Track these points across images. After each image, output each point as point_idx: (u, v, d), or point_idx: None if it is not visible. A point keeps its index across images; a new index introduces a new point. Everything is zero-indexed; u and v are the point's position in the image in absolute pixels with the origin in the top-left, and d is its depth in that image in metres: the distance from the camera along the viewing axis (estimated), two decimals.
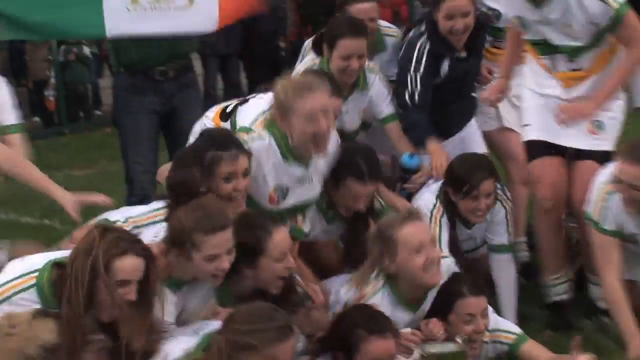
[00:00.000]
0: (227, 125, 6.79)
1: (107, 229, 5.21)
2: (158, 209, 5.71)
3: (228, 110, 6.93)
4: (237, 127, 6.48)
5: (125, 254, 5.06)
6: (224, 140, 6.10)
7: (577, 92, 6.72)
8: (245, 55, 19.93)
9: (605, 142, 6.69)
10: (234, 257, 5.51)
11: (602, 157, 6.58)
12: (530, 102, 6.96)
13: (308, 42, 8.15)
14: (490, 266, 6.86)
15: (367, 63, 7.46)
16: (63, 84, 20.68)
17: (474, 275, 6.38)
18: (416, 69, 7.30)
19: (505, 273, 6.75)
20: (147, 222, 5.73)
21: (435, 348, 5.44)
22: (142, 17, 7.48)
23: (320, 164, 6.35)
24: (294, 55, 21.03)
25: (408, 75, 7.35)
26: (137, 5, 7.44)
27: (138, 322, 5.17)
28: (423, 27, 7.49)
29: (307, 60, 7.75)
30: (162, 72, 7.96)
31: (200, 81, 16.39)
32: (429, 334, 5.92)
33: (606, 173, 6.30)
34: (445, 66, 7.37)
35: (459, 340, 5.47)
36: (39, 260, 5.22)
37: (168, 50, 7.93)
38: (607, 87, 6.57)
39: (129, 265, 5.06)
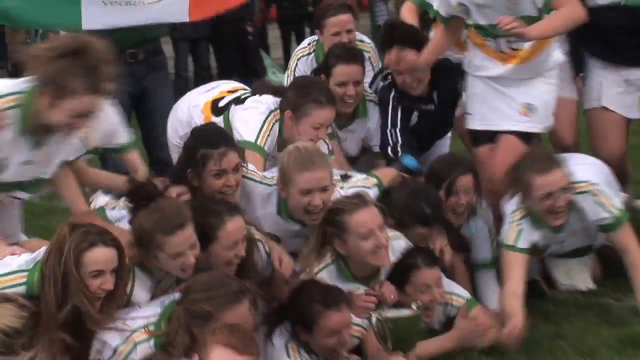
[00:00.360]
0: (219, 119, 6.86)
1: (76, 225, 5.23)
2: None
3: (220, 104, 6.99)
4: (241, 140, 6.48)
5: (95, 245, 5.11)
6: (214, 138, 6.08)
7: (518, 69, 6.80)
8: (214, 39, 19.94)
9: (536, 125, 6.82)
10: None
11: (525, 136, 6.76)
12: (474, 90, 7.02)
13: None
14: (475, 284, 6.77)
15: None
16: None
17: (428, 249, 6.41)
18: (393, 124, 7.26)
19: (490, 290, 6.65)
20: None
21: (391, 313, 5.45)
22: (116, 11, 7.46)
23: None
24: (259, 39, 21.16)
25: (387, 132, 7.28)
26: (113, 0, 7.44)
27: (112, 310, 5.26)
28: (389, 78, 7.43)
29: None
30: (132, 54, 8.01)
31: (172, 64, 16.36)
32: (381, 296, 5.98)
33: (512, 203, 6.45)
34: (414, 117, 7.34)
35: (414, 306, 5.50)
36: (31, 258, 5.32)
37: (138, 35, 7.95)
38: (545, 23, 6.55)
39: (100, 256, 5.11)
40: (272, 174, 6.28)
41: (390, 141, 7.23)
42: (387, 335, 5.31)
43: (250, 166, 6.27)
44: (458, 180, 6.60)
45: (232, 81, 7.80)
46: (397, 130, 7.24)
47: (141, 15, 7.57)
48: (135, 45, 8.01)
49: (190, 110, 7.12)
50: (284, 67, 22.20)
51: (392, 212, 6.23)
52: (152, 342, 5.23)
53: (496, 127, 6.86)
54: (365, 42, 8.19)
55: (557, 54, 6.96)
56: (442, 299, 6.16)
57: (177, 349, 5.07)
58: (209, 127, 6.49)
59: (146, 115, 8.10)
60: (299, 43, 24.27)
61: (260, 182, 6.25)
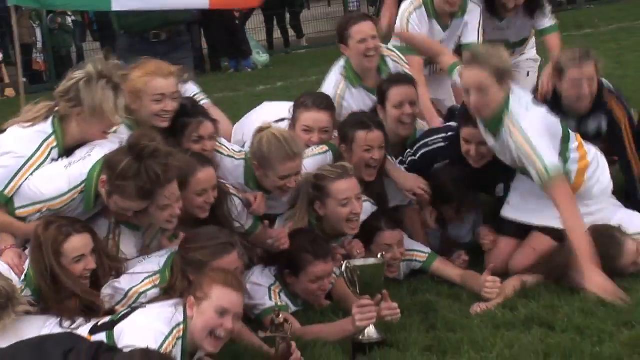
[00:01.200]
0: None
1: (48, 222, 5.26)
2: None
3: None
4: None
5: (70, 235, 5.18)
6: (192, 110, 6.13)
7: None
8: (206, 23, 19.93)
9: None
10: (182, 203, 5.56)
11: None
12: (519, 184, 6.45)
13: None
14: None
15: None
16: (51, 49, 20.60)
17: (390, 213, 6.51)
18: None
19: None
20: None
21: (359, 262, 5.51)
22: None
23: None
24: (243, 24, 21.10)
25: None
26: None
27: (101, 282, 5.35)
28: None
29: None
30: (155, 34, 8.03)
31: None
32: (350, 250, 6.13)
33: None
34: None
35: (379, 256, 5.55)
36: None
37: (161, 17, 7.98)
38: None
39: (77, 243, 5.18)
40: (241, 148, 6.33)
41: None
42: (356, 281, 5.37)
43: (222, 140, 6.30)
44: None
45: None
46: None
47: (166, 1, 7.63)
48: (158, 26, 8.03)
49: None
50: (267, 48, 22.30)
51: None
52: (157, 289, 5.34)
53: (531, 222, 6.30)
54: (394, 51, 7.47)
55: (601, 183, 6.35)
56: (403, 257, 6.29)
57: (177, 292, 5.17)
58: (189, 100, 6.42)
59: None
60: (280, 27, 24.53)
61: (229, 156, 6.25)
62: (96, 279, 5.33)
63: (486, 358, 4.95)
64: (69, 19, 21.29)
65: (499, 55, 6.03)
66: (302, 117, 6.57)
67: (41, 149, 5.48)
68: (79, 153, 5.55)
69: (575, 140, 6.23)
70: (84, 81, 5.47)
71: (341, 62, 7.22)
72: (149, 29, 8.02)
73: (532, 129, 5.92)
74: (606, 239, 5.97)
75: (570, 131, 6.23)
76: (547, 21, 7.82)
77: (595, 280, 5.64)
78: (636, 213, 6.37)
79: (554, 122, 6.16)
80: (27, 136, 5.52)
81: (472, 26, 7.57)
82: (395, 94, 6.72)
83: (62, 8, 8.78)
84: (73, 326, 5.07)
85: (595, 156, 6.30)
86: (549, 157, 5.87)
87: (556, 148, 6.04)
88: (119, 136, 5.67)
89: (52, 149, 5.52)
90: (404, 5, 7.61)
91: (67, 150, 5.59)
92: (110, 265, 5.41)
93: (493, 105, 5.94)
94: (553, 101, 6.58)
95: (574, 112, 6.56)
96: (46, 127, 5.56)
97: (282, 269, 5.88)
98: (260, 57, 20.75)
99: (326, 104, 6.68)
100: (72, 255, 5.14)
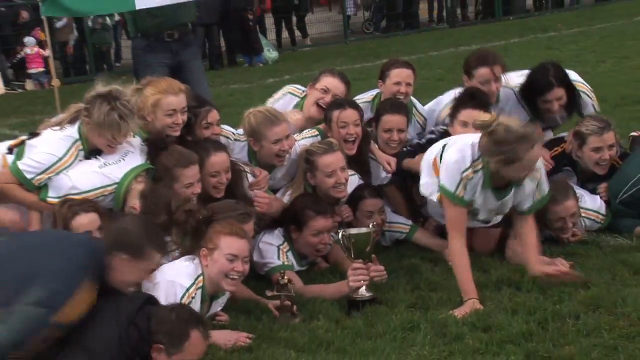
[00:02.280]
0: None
1: (63, 202, 5.30)
2: None
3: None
4: None
5: (77, 214, 5.18)
6: (202, 100, 6.22)
7: None
8: (223, 24, 19.92)
9: None
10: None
11: None
12: None
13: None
14: None
15: None
16: (92, 45, 20.63)
17: (374, 186, 6.47)
18: None
19: None
20: None
21: (353, 231, 5.47)
22: None
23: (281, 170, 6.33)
24: (256, 25, 21.08)
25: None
26: None
27: None
28: None
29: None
30: (169, 34, 7.99)
31: None
32: (339, 213, 6.15)
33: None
34: None
35: (370, 226, 5.53)
36: None
37: (173, 19, 7.98)
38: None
39: (83, 220, 5.16)
40: (242, 132, 6.34)
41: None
42: (350, 248, 5.36)
43: (226, 126, 6.34)
44: None
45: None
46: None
47: None
48: (171, 27, 7.99)
49: None
50: (277, 46, 22.26)
51: None
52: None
53: None
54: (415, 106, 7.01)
55: None
56: (384, 223, 6.26)
57: (196, 249, 5.14)
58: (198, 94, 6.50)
59: (182, 81, 8.10)
60: (287, 28, 24.50)
61: (236, 139, 6.30)
62: None
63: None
64: (108, 19, 21.29)
65: None
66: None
67: (70, 152, 5.55)
68: (113, 157, 5.61)
69: None
70: (98, 99, 5.48)
71: (374, 91, 6.98)
72: (163, 30, 7.98)
73: None
74: (560, 184, 6.00)
75: None
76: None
77: (539, 270, 5.42)
78: (593, 196, 6.31)
79: None
80: (58, 139, 5.59)
81: None
82: (387, 120, 6.51)
83: (89, 14, 8.66)
84: None
85: None
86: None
87: None
88: (136, 142, 5.72)
89: (79, 151, 5.59)
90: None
91: (91, 151, 5.65)
92: None
93: None
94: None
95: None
96: (73, 132, 5.62)
97: (289, 226, 5.91)
98: (271, 54, 20.73)
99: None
100: (78, 231, 5.11)
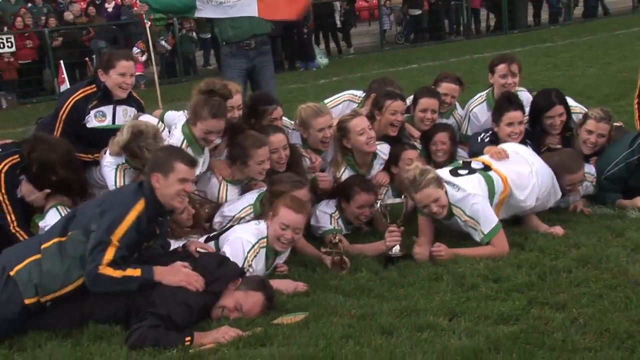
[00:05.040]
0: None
1: None
2: None
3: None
4: None
5: None
6: (271, 99, 6.28)
7: None
8: (284, 36, 19.96)
9: None
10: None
11: None
12: None
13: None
14: None
15: None
16: (181, 53, 20.75)
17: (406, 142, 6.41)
18: None
19: None
20: None
21: (389, 201, 5.45)
22: (213, 7, 7.53)
23: None
24: (311, 37, 21.08)
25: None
26: (212, 1, 7.48)
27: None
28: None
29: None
30: (247, 43, 7.94)
31: None
32: (377, 181, 6.10)
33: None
34: None
35: (403, 197, 5.50)
36: None
37: (250, 31, 7.90)
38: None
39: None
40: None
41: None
42: (386, 214, 5.34)
43: (285, 119, 6.34)
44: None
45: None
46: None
47: (227, 11, 7.56)
48: (249, 37, 7.93)
49: None
50: (327, 54, 22.20)
51: None
52: (251, 215, 5.38)
53: None
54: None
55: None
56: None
57: (266, 214, 5.16)
58: (263, 93, 6.56)
59: (255, 83, 8.11)
60: (334, 40, 24.40)
61: (293, 129, 6.30)
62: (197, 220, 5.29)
63: (476, 268, 4.90)
64: (194, 33, 21.37)
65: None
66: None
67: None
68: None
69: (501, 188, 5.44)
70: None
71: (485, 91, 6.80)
72: (243, 39, 7.91)
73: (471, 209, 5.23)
74: (575, 155, 5.93)
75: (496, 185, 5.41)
76: None
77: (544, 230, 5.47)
78: (588, 164, 6.12)
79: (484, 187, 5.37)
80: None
81: None
82: (424, 102, 6.43)
83: (160, 12, 8.70)
84: (193, 238, 5.09)
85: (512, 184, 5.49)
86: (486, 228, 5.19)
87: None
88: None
89: None
90: None
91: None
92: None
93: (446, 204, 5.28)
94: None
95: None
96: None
97: (340, 198, 5.87)
98: (322, 60, 20.68)
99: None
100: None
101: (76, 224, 4.39)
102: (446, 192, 5.23)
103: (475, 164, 5.58)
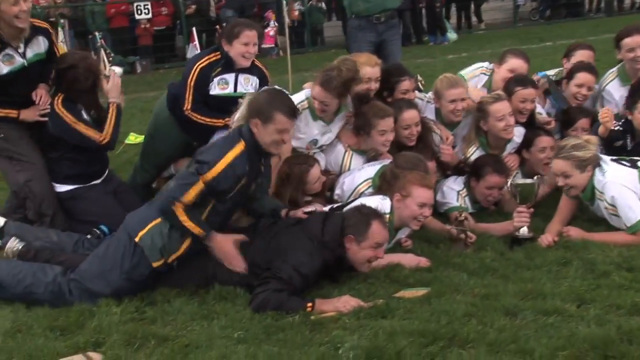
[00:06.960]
0: None
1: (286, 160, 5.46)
2: None
3: None
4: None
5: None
6: (403, 72, 6.24)
7: None
8: (413, 10, 19.86)
9: None
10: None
11: None
12: None
13: None
14: None
15: None
16: (310, 24, 20.92)
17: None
18: None
19: None
20: None
21: (520, 181, 5.38)
22: None
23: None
24: (441, 11, 20.85)
25: None
26: None
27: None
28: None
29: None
30: (377, 18, 7.92)
31: None
32: (508, 163, 5.96)
33: None
34: None
35: (535, 178, 5.39)
36: None
37: (380, 5, 7.89)
38: None
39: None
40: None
41: None
42: (516, 195, 5.26)
43: (417, 92, 6.29)
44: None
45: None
46: None
47: None
48: (379, 11, 7.91)
49: None
50: (457, 29, 21.87)
51: None
52: (371, 189, 5.36)
53: None
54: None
55: None
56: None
57: (387, 191, 5.12)
58: (396, 65, 6.51)
59: (382, 57, 8.05)
60: (465, 15, 24.04)
61: (427, 101, 6.25)
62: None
63: (608, 255, 4.74)
64: (323, 3, 21.48)
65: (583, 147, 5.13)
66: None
67: None
68: None
69: None
70: None
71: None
72: (373, 13, 7.88)
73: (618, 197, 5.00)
74: None
75: None
76: None
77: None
78: None
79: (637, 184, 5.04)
80: None
81: None
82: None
83: None
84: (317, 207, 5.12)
85: None
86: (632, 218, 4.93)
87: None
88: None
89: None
90: None
91: None
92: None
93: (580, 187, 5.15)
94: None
95: None
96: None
97: (470, 176, 5.81)
98: (452, 35, 20.45)
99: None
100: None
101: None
102: (593, 176, 5.06)
103: None
